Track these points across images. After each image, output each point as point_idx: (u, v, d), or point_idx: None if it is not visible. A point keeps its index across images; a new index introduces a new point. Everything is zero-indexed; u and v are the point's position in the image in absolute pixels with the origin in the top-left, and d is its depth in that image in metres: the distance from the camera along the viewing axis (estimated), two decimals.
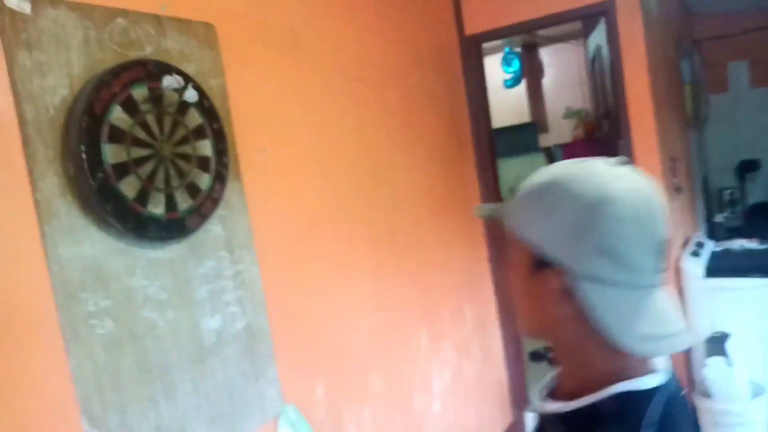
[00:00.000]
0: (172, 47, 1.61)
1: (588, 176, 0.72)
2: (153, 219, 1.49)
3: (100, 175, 1.36)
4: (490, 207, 0.88)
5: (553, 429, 0.78)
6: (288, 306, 1.97)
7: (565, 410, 0.75)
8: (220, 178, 1.69)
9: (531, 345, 4.28)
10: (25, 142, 1.28)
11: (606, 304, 0.69)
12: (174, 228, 1.55)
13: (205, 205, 1.64)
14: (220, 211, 1.72)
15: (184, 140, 1.59)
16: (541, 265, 0.74)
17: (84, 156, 1.33)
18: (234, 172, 1.79)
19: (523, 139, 5.98)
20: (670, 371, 0.79)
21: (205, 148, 1.66)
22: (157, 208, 1.50)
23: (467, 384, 3.12)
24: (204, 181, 1.64)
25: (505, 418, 3.52)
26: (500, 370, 3.54)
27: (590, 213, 0.69)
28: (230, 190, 1.76)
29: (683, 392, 0.80)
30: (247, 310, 1.78)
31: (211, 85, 1.72)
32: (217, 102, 1.72)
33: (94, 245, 1.39)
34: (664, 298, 0.72)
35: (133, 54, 1.50)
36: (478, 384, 3.24)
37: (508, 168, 5.67)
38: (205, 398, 1.62)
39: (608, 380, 0.72)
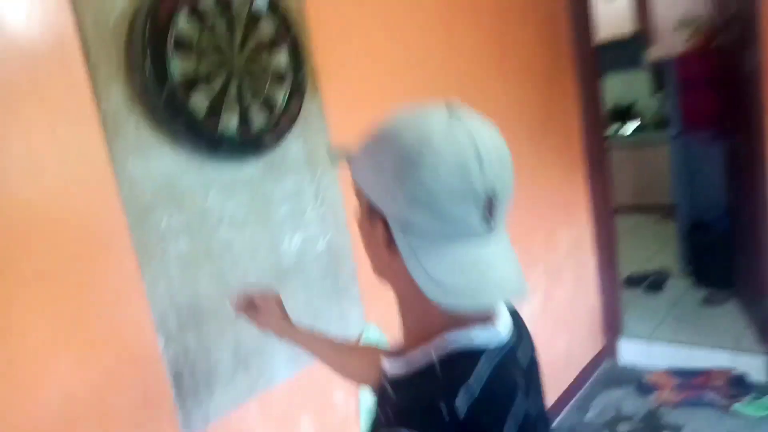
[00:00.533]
0: None
1: (413, 123, 0.69)
2: (226, 136, 1.41)
3: (167, 89, 1.28)
4: (340, 150, 0.86)
5: (384, 386, 0.77)
6: None
7: (390, 366, 0.76)
8: (297, 93, 1.58)
9: (627, 269, 4.04)
10: (87, 56, 1.21)
11: (420, 255, 0.67)
12: (249, 146, 1.47)
13: (282, 122, 1.54)
14: (299, 127, 1.62)
15: (257, 52, 1.48)
16: (372, 212, 0.73)
17: (149, 69, 1.25)
18: (312, 86, 1.67)
19: (627, 53, 5.42)
20: (518, 330, 0.79)
21: (281, 60, 1.54)
22: (230, 124, 1.41)
23: (557, 309, 2.99)
24: (280, 96, 1.53)
25: (596, 344, 3.38)
26: (593, 295, 3.36)
27: (406, 160, 0.66)
28: (309, 106, 1.65)
29: (533, 353, 0.81)
30: (328, 230, 1.72)
31: None
32: (292, 10, 1.58)
33: (165, 163, 1.34)
34: (492, 250, 0.69)
35: None
36: (568, 310, 3.10)
37: (610, 85, 5.20)
38: None
39: (439, 336, 0.71)
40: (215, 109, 1.38)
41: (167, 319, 1.32)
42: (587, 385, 3.21)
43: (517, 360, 0.75)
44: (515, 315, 0.83)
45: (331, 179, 1.72)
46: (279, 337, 1.25)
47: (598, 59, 3.16)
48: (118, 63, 1.25)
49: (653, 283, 4.05)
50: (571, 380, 3.09)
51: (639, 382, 3.09)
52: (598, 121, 3.19)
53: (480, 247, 0.68)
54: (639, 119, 5.95)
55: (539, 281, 2.84)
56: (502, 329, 0.74)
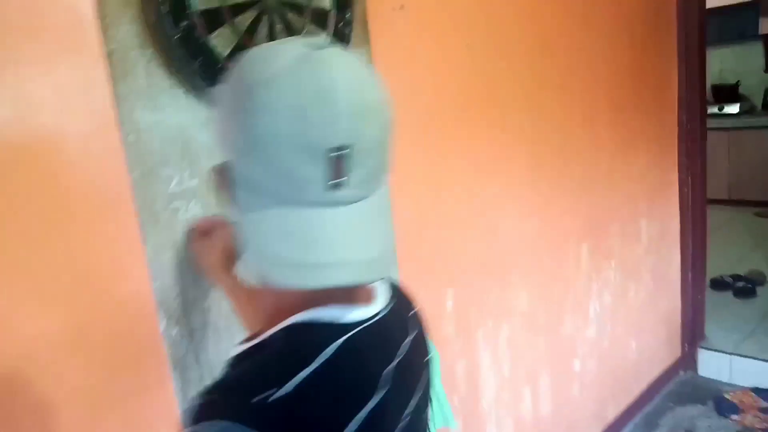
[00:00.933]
0: None
1: (261, 57, 0.60)
2: None
3: (184, 23, 1.08)
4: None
5: None
6: (417, 203, 1.65)
7: (235, 352, 0.67)
8: (341, 39, 1.34)
9: (715, 270, 3.62)
10: None
11: (250, 217, 0.59)
12: None
13: None
14: None
15: None
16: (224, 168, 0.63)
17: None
18: (360, 33, 1.43)
19: (736, 22, 4.83)
20: (400, 317, 0.74)
21: None
22: None
23: (631, 310, 2.66)
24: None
25: (673, 351, 3.03)
26: (673, 298, 3.00)
27: (240, 98, 0.57)
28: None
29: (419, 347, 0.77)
30: None
31: None
32: None
33: (179, 113, 1.14)
34: (342, 220, 0.58)
35: None
36: (643, 311, 2.76)
37: (713, 60, 4.65)
38: None
39: (287, 313, 0.63)
40: (240, 50, 1.17)
41: (170, 296, 1.15)
42: (658, 398, 2.87)
43: (381, 346, 0.67)
44: (404, 302, 0.79)
45: None
46: (215, 282, 1.10)
47: (704, 26, 2.74)
48: None
49: (744, 288, 3.62)
50: (639, 392, 2.76)
51: (718, 400, 2.73)
52: (699, 98, 2.79)
53: (323, 215, 0.57)
54: (742, 100, 5.33)
55: (612, 277, 2.52)
56: (367, 310, 0.66)
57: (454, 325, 1.81)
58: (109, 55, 1.05)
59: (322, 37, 0.60)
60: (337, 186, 0.57)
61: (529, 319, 2.10)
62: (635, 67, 2.47)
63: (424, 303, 1.76)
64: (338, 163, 0.56)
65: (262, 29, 1.20)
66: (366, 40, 1.44)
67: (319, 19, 1.30)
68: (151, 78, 1.10)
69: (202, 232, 1.13)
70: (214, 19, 1.12)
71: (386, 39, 1.51)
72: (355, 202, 0.59)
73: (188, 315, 1.18)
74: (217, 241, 1.07)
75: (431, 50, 1.64)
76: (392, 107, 0.62)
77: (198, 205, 1.18)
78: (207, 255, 1.10)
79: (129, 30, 1.06)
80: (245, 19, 1.17)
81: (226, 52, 1.15)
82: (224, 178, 0.62)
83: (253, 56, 0.61)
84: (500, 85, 1.85)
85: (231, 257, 1.06)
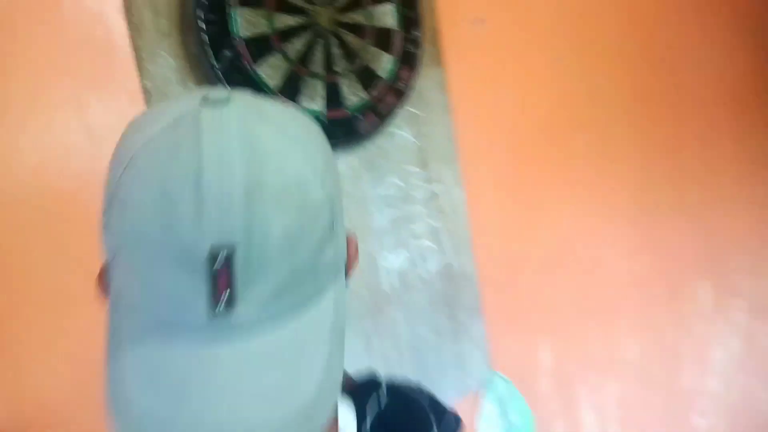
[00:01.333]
0: None
1: (138, 124, 0.44)
2: None
3: (228, 52, 0.96)
4: None
5: None
6: (503, 242, 1.44)
7: None
8: (408, 61, 1.18)
9: None
10: (129, 8, 0.92)
11: (114, 346, 0.40)
12: (338, 130, 1.11)
13: (386, 100, 1.16)
14: (410, 108, 1.23)
15: (354, 3, 1.11)
16: None
17: (203, 26, 0.94)
18: (432, 52, 1.26)
19: None
20: None
21: (387, 15, 1.15)
22: (312, 101, 1.06)
23: (764, 358, 2.27)
24: (384, 64, 1.15)
25: None
26: None
27: (109, 183, 0.43)
28: (425, 79, 1.25)
29: None
30: (445, 246, 1.30)
31: None
32: None
33: None
34: (231, 363, 0.38)
35: None
36: None
37: None
38: (382, 359, 1.22)
39: None
40: (293, 80, 1.04)
41: None
42: None
43: None
44: None
45: (452, 180, 1.31)
46: None
47: None
48: (168, 18, 0.96)
49: None
50: None
51: None
52: None
53: (204, 352, 0.38)
54: None
55: (740, 319, 2.15)
56: None
57: (551, 381, 1.56)
58: (146, 92, 0.94)
59: (223, 90, 0.43)
60: (225, 309, 0.39)
61: (640, 371, 1.81)
62: (762, 78, 2.13)
63: (512, 357, 1.56)
64: (221, 275, 0.38)
65: (317, 55, 1.06)
66: (438, 60, 1.28)
67: (382, 39, 1.15)
68: None
69: None
70: (261, 46, 1.00)
71: (462, 57, 1.34)
72: (260, 331, 0.40)
73: None
74: None
75: (515, 67, 1.45)
76: (329, 181, 0.45)
77: None
78: None
79: (167, 63, 0.96)
80: (297, 45, 1.04)
81: (277, 82, 1.02)
82: (105, 285, 0.45)
83: (134, 121, 0.45)
84: (597, 103, 1.62)
85: None
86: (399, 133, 1.22)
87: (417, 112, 1.25)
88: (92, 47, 0.90)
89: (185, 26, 0.96)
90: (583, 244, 1.60)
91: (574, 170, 1.57)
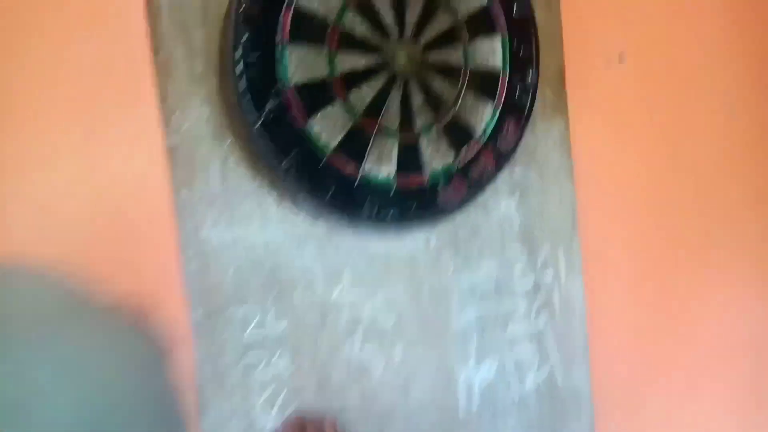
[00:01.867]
0: None
1: None
2: (372, 185, 0.81)
3: (272, 103, 0.74)
4: None
5: None
6: (632, 353, 1.09)
7: None
8: (516, 112, 0.90)
9: None
10: (157, 44, 0.74)
11: None
12: (414, 202, 0.84)
13: (482, 163, 0.88)
14: (515, 172, 0.95)
15: (445, 38, 0.85)
16: None
17: (241, 68, 0.72)
18: (552, 99, 0.97)
19: None
20: None
21: (491, 53, 0.88)
22: (380, 164, 0.82)
23: None
24: (482, 117, 0.88)
25: None
26: None
27: None
28: (540, 135, 0.96)
29: None
30: (551, 354, 0.99)
31: None
32: None
33: (267, 227, 0.80)
34: None
35: None
36: None
37: None
38: None
39: None
40: (355, 137, 0.80)
41: None
42: None
43: None
44: None
45: (568, 267, 1.00)
46: None
47: None
48: (204, 58, 0.76)
49: None
50: None
51: None
52: None
53: None
54: None
55: None
56: None
57: None
58: (171, 151, 0.75)
59: None
60: None
61: None
62: None
63: None
64: None
65: (390, 105, 0.82)
66: (560, 109, 0.98)
67: (485, 84, 0.87)
68: (228, 180, 0.77)
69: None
70: (317, 95, 0.77)
71: (594, 106, 1.03)
72: None
73: None
74: None
75: (666, 119, 1.10)
76: None
77: (286, 359, 0.81)
78: None
79: (200, 114, 0.76)
80: (364, 93, 0.80)
81: (335, 142, 0.78)
82: None
83: None
84: None
85: None
86: (498, 204, 0.94)
87: (525, 177, 0.96)
88: (109, 90, 0.72)
89: (225, 68, 0.75)
90: (731, 367, 1.20)
91: (733, 266, 1.18)
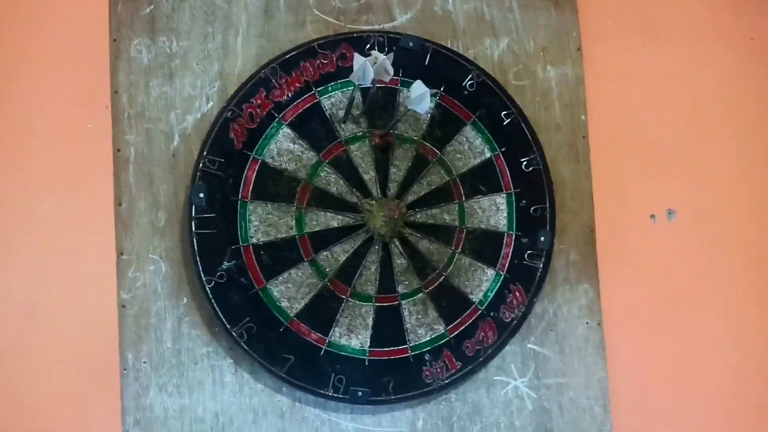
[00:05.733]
0: None
1: None
2: (342, 355, 0.71)
3: (225, 264, 0.68)
4: None
5: None
6: None
7: None
8: (523, 277, 0.77)
9: None
10: (119, 194, 0.72)
11: None
12: (393, 377, 0.73)
13: (479, 334, 0.76)
14: (526, 347, 0.80)
15: (435, 196, 0.76)
16: None
17: (194, 225, 0.68)
18: (577, 262, 0.83)
19: None
20: None
21: (492, 211, 0.77)
22: (349, 335, 0.72)
23: None
24: (480, 281, 0.76)
25: None
26: None
27: None
28: (559, 304, 0.82)
29: None
30: None
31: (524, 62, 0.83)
32: (535, 109, 0.82)
33: (217, 396, 0.72)
34: None
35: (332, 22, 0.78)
36: None
37: None
38: None
39: None
40: (322, 302, 0.71)
41: None
42: None
43: None
44: None
45: None
46: None
47: None
48: (169, 212, 0.72)
49: None
50: None
51: None
52: None
53: None
54: None
55: None
56: None
57: None
58: (121, 310, 0.70)
59: None
60: None
61: None
62: None
63: None
64: None
65: (369, 267, 0.73)
66: (588, 272, 0.83)
67: (484, 246, 0.76)
68: (181, 343, 0.71)
69: None
70: (280, 255, 0.70)
71: (631, 269, 0.87)
72: None
73: None
74: None
75: (728, 281, 0.91)
76: None
77: None
78: None
79: (157, 270, 0.71)
80: (338, 254, 0.72)
81: (299, 306, 0.70)
82: None
83: None
84: None
85: None
86: (505, 382, 0.79)
87: (542, 351, 0.81)
88: (67, 240, 0.70)
89: (186, 223, 0.72)
90: None
91: None
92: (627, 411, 0.84)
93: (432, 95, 0.71)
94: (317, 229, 0.72)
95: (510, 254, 0.77)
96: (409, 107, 0.68)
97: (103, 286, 0.71)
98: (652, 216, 0.90)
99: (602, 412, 0.82)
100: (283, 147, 0.72)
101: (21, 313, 0.69)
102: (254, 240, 0.70)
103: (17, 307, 0.69)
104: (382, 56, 0.66)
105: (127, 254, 0.71)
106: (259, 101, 0.71)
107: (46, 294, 0.70)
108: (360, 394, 0.72)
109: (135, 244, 0.71)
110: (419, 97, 0.66)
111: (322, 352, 0.71)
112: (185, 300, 0.72)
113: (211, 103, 0.74)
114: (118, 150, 0.72)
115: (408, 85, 0.73)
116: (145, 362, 0.70)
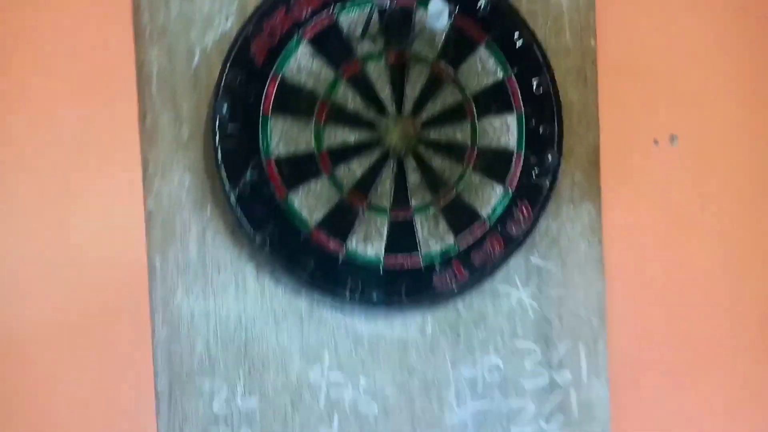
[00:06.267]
0: None
1: None
2: (358, 263, 0.76)
3: (249, 174, 0.72)
4: None
5: None
6: None
7: None
8: (531, 195, 0.82)
9: None
10: (143, 111, 0.75)
11: None
12: (404, 284, 0.78)
13: (488, 247, 0.80)
14: (530, 260, 0.85)
15: (449, 114, 0.79)
16: None
17: (218, 138, 0.71)
18: (581, 183, 0.87)
19: None
20: None
21: (505, 132, 0.81)
22: (366, 243, 0.77)
23: None
24: (490, 197, 0.80)
25: None
26: None
27: None
28: (563, 221, 0.86)
29: None
30: None
31: None
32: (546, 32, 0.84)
33: (242, 301, 0.77)
34: None
35: None
36: None
37: None
38: None
39: None
40: (341, 213, 0.75)
41: None
42: None
43: None
44: None
45: (590, 368, 0.87)
46: None
47: None
48: (191, 126, 0.75)
49: None
50: None
51: None
52: None
53: None
54: None
55: None
56: None
57: None
58: (148, 218, 0.74)
59: None
60: None
61: None
62: None
63: None
64: None
65: (384, 181, 0.77)
66: (592, 193, 0.87)
67: (494, 164, 0.80)
68: (206, 249, 0.76)
69: None
70: (300, 169, 0.74)
71: (633, 191, 0.91)
72: None
73: None
74: None
75: (725, 209, 0.96)
76: None
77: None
78: None
79: (181, 182, 0.75)
80: (355, 168, 0.76)
81: (318, 216, 0.75)
82: None
83: None
84: None
85: None
86: (509, 292, 0.85)
87: (545, 265, 0.86)
88: (93, 151, 0.74)
89: (209, 137, 0.75)
90: None
91: None
92: (622, 323, 0.90)
93: (449, 12, 0.73)
94: (335, 144, 0.75)
95: (519, 173, 0.81)
96: (427, 24, 0.70)
97: (130, 198, 0.74)
98: (655, 141, 0.94)
99: (599, 322, 0.88)
100: (302, 64, 0.74)
101: (52, 225, 0.73)
102: (276, 153, 0.73)
103: (48, 219, 0.73)
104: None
105: (153, 167, 0.75)
106: (278, 18, 0.73)
107: (77, 205, 0.74)
108: (375, 298, 0.77)
109: (160, 157, 0.75)
110: (437, 14, 0.68)
111: (340, 261, 0.76)
112: (208, 210, 0.76)
113: (230, 21, 0.76)
114: (141, 66, 0.74)
115: (425, 3, 0.75)
116: (173, 266, 0.75)
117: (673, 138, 0.94)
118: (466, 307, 0.84)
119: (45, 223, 0.73)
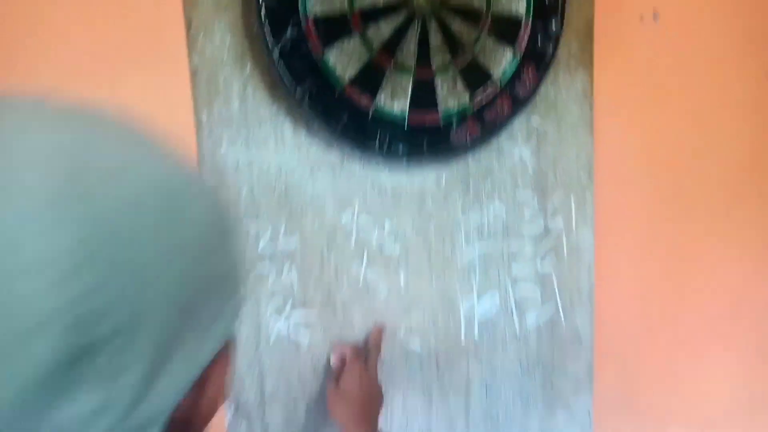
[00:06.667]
0: None
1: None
2: (385, 119, 0.85)
3: (290, 32, 0.79)
4: None
5: None
6: (639, 304, 1.10)
7: None
8: (536, 60, 0.91)
9: None
10: None
11: None
12: (426, 139, 0.88)
13: (498, 107, 0.90)
14: (534, 119, 0.96)
15: None
16: None
17: None
18: (577, 53, 0.97)
19: None
20: None
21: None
22: (393, 99, 0.85)
23: None
24: (501, 60, 0.89)
25: None
26: None
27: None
28: (562, 85, 0.96)
29: None
30: (555, 298, 1.02)
31: None
32: None
33: (281, 151, 0.85)
34: None
35: None
36: None
37: None
38: (446, 424, 1.00)
39: None
40: (371, 71, 0.83)
41: (244, 387, 0.88)
42: None
43: None
44: None
45: (579, 215, 1.01)
46: None
47: None
48: None
49: None
50: None
51: None
52: None
53: None
54: None
55: None
56: None
57: None
58: (194, 73, 0.81)
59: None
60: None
61: None
62: None
63: None
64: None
65: (409, 42, 0.84)
66: (585, 62, 0.97)
67: (506, 30, 0.89)
68: (247, 105, 0.83)
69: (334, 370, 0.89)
70: (334, 27, 0.81)
71: (621, 61, 1.02)
72: None
73: (263, 411, 0.89)
74: (348, 386, 0.84)
75: (697, 80, 1.08)
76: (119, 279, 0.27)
77: (295, 271, 0.88)
78: (335, 405, 0.84)
79: (222, 41, 0.81)
80: (383, 29, 0.83)
81: (350, 73, 0.82)
82: None
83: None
84: None
85: (365, 407, 0.83)
86: (512, 149, 0.96)
87: (543, 126, 0.97)
88: (137, 17, 0.79)
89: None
90: (736, 332, 1.18)
91: (749, 233, 1.16)
92: (608, 177, 1.03)
93: None
94: (366, 4, 0.82)
95: (527, 38, 0.90)
96: None
97: (175, 55, 0.80)
98: (641, 17, 1.03)
99: (587, 177, 1.01)
100: None
101: (103, 85, 0.79)
102: (313, 12, 0.79)
103: (100, 80, 0.78)
104: None
105: (195, 26, 0.80)
106: None
107: (128, 66, 0.79)
108: (400, 151, 0.87)
109: (201, 17, 0.80)
110: None
111: (369, 116, 0.85)
112: (248, 68, 0.82)
113: None
114: None
115: None
116: (217, 120, 0.82)
117: (655, 15, 1.04)
118: (475, 162, 0.95)
119: (97, 83, 0.78)
